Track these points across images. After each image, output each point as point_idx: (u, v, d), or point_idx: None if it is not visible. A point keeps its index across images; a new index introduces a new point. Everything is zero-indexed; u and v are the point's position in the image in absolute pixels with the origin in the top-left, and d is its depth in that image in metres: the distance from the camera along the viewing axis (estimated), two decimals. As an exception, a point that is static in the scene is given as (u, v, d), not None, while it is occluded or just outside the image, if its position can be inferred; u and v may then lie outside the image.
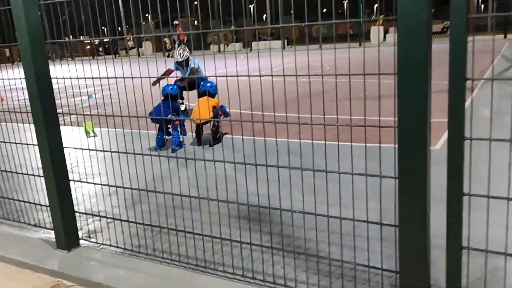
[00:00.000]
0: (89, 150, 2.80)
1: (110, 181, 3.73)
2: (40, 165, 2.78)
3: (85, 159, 4.77)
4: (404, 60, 1.58)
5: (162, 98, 5.33)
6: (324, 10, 31.61)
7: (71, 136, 6.29)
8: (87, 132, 6.21)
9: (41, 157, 2.72)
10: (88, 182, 2.96)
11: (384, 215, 2.02)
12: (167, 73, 7.45)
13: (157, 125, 5.29)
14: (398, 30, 1.55)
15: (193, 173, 2.86)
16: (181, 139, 5.31)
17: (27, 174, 3.19)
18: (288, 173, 2.19)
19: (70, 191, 2.85)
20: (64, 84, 3.04)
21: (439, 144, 4.58)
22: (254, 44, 28.85)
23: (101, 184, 2.94)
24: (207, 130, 5.80)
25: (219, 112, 5.40)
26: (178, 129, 5.34)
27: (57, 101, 2.80)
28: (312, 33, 38.26)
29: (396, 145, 1.70)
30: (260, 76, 2.11)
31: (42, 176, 2.84)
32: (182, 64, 7.70)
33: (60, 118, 2.77)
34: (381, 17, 24.04)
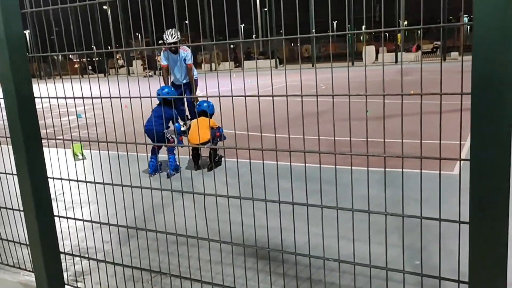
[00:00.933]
0: (78, 181, 2.42)
1: (100, 211, 3.34)
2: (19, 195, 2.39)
3: (72, 185, 4.37)
4: (483, 76, 1.25)
5: (158, 103, 4.92)
6: (313, 30, 31.92)
7: (58, 159, 5.84)
8: (75, 155, 5.81)
9: (21, 190, 2.33)
10: (76, 219, 2.56)
11: (413, 255, 1.68)
12: (165, 72, 6.74)
13: (151, 147, 4.91)
14: (475, 35, 1.23)
15: (192, 202, 2.48)
16: (177, 163, 4.92)
17: (5, 208, 2.78)
18: (301, 202, 1.84)
19: (55, 228, 2.45)
20: (52, 103, 2.68)
21: (456, 168, 4.27)
22: (245, 63, 28.77)
23: (90, 221, 2.54)
24: (202, 152, 5.44)
25: (217, 133, 5.05)
26: (174, 151, 4.96)
27: (45, 121, 2.43)
28: (302, 52, 38.43)
29: (466, 182, 1.36)
30: (265, 95, 1.77)
31: (21, 211, 2.45)
32: (172, 50, 6.59)
33: (45, 141, 2.39)
34: (399, 35, 24.18)
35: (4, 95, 2.26)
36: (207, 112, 5.06)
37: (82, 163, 5.47)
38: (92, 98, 2.30)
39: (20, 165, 2.27)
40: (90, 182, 2.40)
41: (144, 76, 8.75)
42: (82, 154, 5.83)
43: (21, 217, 2.54)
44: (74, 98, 2.40)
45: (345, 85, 1.76)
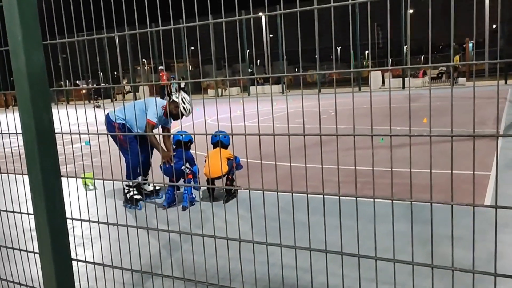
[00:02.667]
0: (90, 222, 2.26)
1: (113, 249, 3.17)
2: (33, 234, 2.23)
3: (83, 215, 4.19)
4: None
5: (173, 146, 4.89)
6: (316, 56, 32.25)
7: (68, 190, 5.64)
8: (86, 185, 5.65)
9: (38, 232, 2.17)
10: (95, 263, 2.38)
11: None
12: (151, 130, 4.85)
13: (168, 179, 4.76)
14: None
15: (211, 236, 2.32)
16: (193, 195, 4.77)
17: (18, 249, 2.61)
18: (322, 231, 1.67)
19: (72, 273, 2.28)
20: (58, 130, 2.55)
21: (487, 202, 4.08)
22: (252, 88, 28.91)
23: (103, 265, 2.36)
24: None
25: (234, 164, 4.90)
26: (190, 183, 4.80)
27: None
28: (306, 78, 38.65)
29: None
30: (252, 134, 1.63)
31: (36, 253, 2.28)
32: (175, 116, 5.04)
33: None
34: (456, 57, 23.84)
35: (23, 130, 2.13)
36: (223, 143, 4.93)
37: (94, 194, 5.31)
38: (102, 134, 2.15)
39: (38, 206, 2.12)
40: (103, 223, 2.24)
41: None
42: (93, 184, 5.68)
43: (35, 258, 2.38)
44: (88, 134, 2.26)
45: (352, 112, 1.64)
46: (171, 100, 4.96)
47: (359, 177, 5.29)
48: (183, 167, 4.59)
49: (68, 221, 2.23)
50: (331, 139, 7.42)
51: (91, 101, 29.28)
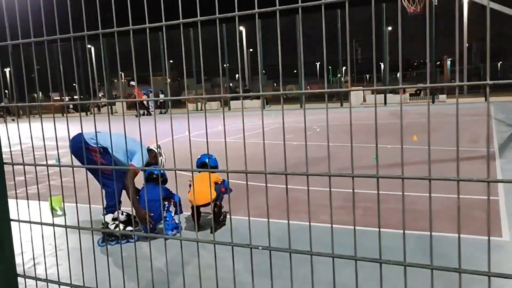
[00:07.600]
0: (59, 284, 1.73)
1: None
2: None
3: (49, 249, 3.62)
4: None
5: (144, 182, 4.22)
6: (295, 71, 32.17)
7: (33, 214, 4.98)
8: (53, 209, 5.04)
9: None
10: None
11: None
12: (132, 175, 4.21)
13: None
14: None
15: (197, 276, 1.82)
16: (177, 221, 4.20)
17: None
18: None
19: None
20: (28, 145, 2.04)
21: (506, 234, 3.67)
22: (232, 103, 28.46)
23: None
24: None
25: (222, 189, 4.38)
26: (171, 209, 4.25)
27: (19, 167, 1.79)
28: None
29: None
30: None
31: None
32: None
33: (21, 189, 1.75)
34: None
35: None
36: (210, 165, 4.40)
37: (64, 219, 4.71)
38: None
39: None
40: (64, 285, 1.72)
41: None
42: (62, 209, 5.08)
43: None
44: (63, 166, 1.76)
45: (337, 129, 1.23)
46: (149, 148, 4.57)
47: (359, 202, 4.86)
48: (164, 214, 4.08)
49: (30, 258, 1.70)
50: (321, 158, 6.99)
51: (64, 114, 28.28)
